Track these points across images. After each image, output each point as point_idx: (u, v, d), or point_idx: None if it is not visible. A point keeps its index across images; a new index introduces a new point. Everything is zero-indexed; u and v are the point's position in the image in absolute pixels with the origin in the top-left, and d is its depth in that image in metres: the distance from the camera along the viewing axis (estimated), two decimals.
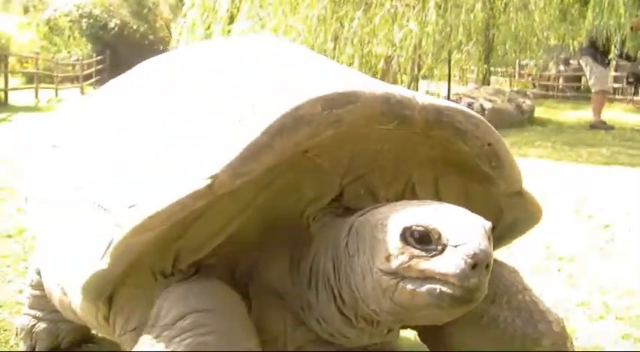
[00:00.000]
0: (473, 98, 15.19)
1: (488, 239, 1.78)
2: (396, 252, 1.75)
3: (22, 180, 3.26)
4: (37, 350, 3.34)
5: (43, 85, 21.12)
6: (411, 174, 2.25)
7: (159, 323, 1.94)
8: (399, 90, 2.10)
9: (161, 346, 1.87)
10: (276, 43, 2.93)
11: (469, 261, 1.67)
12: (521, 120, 15.20)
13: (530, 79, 23.46)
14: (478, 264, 1.68)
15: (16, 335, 3.44)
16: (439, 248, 1.71)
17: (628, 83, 16.90)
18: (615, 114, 17.63)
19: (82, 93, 21.88)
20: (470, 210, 1.93)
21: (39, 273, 3.25)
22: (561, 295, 4.35)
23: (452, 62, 15.32)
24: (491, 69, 19.87)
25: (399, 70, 15.83)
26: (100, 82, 24.23)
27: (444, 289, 1.69)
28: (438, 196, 2.29)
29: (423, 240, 1.73)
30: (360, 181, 2.23)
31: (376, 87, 2.09)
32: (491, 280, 2.14)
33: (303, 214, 2.20)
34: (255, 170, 1.87)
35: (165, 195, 1.87)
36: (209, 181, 1.83)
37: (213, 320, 1.91)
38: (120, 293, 2.16)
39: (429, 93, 16.03)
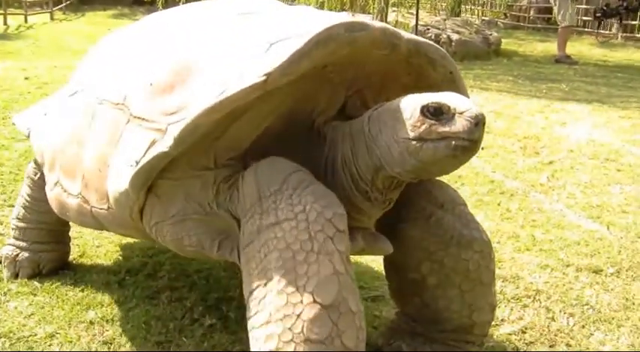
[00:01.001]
0: (440, 29, 15.39)
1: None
2: (418, 123, 2.31)
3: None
4: (20, 276, 3.73)
5: (11, 11, 20.75)
6: (390, 94, 2.73)
7: (267, 194, 2.39)
8: (391, 27, 2.63)
9: (285, 204, 2.34)
10: None
11: (473, 121, 2.24)
12: (487, 52, 15.46)
13: (501, 8, 23.51)
14: (479, 122, 2.25)
15: (1, 263, 3.80)
16: (450, 116, 2.27)
17: (595, 17, 17.10)
18: (581, 48, 17.95)
19: (52, 19, 21.48)
20: None
21: (32, 202, 3.73)
22: (495, 227, 4.79)
23: None
24: None
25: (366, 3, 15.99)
26: (70, 8, 23.96)
27: (458, 142, 2.25)
28: None
29: (437, 112, 2.28)
30: (358, 95, 2.81)
31: (376, 22, 2.69)
32: (441, 191, 2.94)
33: (315, 122, 2.73)
34: (297, 72, 2.37)
35: (228, 89, 2.34)
36: (264, 77, 2.31)
37: (307, 176, 2.44)
38: (158, 185, 2.62)
39: (399, 24, 16.24)
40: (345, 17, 2.60)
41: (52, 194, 3.20)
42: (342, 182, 2.62)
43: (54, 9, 22.52)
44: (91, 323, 3.30)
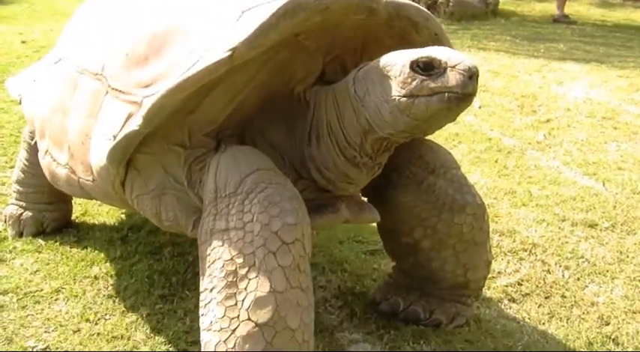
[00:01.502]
0: None
1: None
2: (409, 79, 2.25)
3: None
4: (24, 235, 3.78)
5: None
6: (373, 56, 2.66)
7: (222, 195, 2.40)
8: None
9: (236, 210, 2.34)
10: None
11: (466, 74, 2.20)
12: (485, 12, 15.29)
13: None
14: (472, 75, 2.20)
15: (5, 222, 3.85)
16: (441, 70, 2.21)
17: None
18: (579, 8, 17.83)
19: None
20: None
21: (30, 166, 3.73)
22: (492, 184, 4.85)
23: None
24: None
25: None
26: None
27: (451, 94, 2.21)
28: None
29: (428, 67, 2.22)
30: (337, 60, 2.75)
31: None
32: (432, 156, 2.89)
33: (294, 90, 2.68)
34: (264, 44, 2.32)
35: (196, 64, 2.33)
36: (230, 53, 2.27)
37: (266, 176, 2.39)
38: (136, 159, 2.64)
39: None
40: None
41: (44, 162, 3.21)
42: (329, 148, 2.60)
43: None
44: (96, 278, 3.37)
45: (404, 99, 2.27)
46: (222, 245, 2.29)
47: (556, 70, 9.22)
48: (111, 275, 3.39)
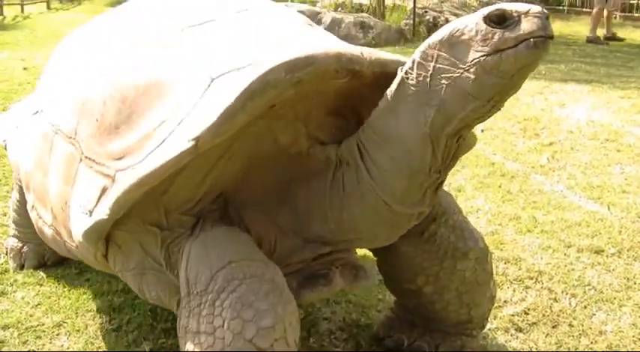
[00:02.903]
0: (439, 12, 15.35)
1: None
2: (489, 35, 2.09)
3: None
4: (26, 267, 3.75)
5: (7, 1, 20.63)
6: (362, 114, 2.53)
7: (194, 291, 2.26)
8: (350, 48, 2.41)
9: (207, 312, 2.20)
10: None
11: (542, 16, 2.07)
12: None
13: None
14: (547, 17, 2.09)
15: (6, 254, 3.83)
16: (515, 20, 2.08)
17: None
18: (580, 28, 17.90)
19: (49, 8, 21.40)
20: None
21: (23, 208, 3.51)
22: (496, 209, 4.82)
23: None
24: None
25: None
26: None
27: (536, 39, 2.05)
28: None
29: (502, 20, 2.09)
30: (322, 126, 2.52)
31: (331, 46, 2.42)
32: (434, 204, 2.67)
33: (289, 151, 2.49)
34: (232, 129, 2.18)
35: (159, 155, 2.22)
36: (194, 142, 2.13)
37: (238, 271, 2.24)
38: (115, 236, 2.53)
39: (397, 6, 16.20)
40: (292, 48, 2.36)
41: (32, 216, 3.08)
42: (371, 200, 2.40)
43: None
44: (98, 311, 3.34)
45: (489, 57, 2.10)
46: (194, 349, 2.20)
47: (558, 92, 9.24)
48: (113, 309, 3.36)
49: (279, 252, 2.55)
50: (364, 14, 14.92)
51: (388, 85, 2.35)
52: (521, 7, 2.10)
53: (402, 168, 2.32)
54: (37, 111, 3.05)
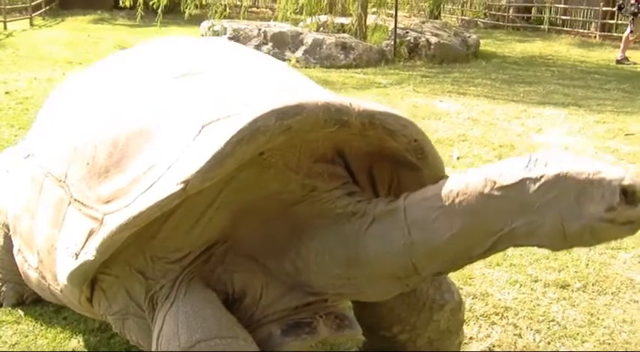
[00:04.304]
0: (420, 33, 15.53)
1: None
2: (615, 205, 2.06)
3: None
4: (4, 305, 3.81)
5: None
6: (351, 164, 2.66)
7: None
8: (339, 99, 2.48)
9: None
10: (225, 45, 3.21)
11: None
12: (466, 54, 15.63)
13: (479, 8, 23.73)
14: None
15: None
16: (638, 201, 2.06)
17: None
18: (560, 48, 18.21)
19: (31, 25, 21.33)
20: (400, 193, 2.48)
21: (6, 254, 3.61)
22: None
23: None
24: None
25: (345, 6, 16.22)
26: (49, 13, 23.81)
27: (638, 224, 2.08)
28: (373, 180, 2.74)
29: (632, 197, 2.06)
30: (312, 173, 2.56)
31: (320, 96, 2.50)
32: None
33: (287, 196, 2.52)
34: (220, 173, 2.22)
35: (147, 197, 2.26)
36: (183, 185, 2.18)
37: (206, 350, 2.29)
38: (101, 279, 2.58)
39: (379, 27, 16.36)
40: (281, 97, 2.40)
41: (18, 260, 3.13)
42: (400, 262, 2.39)
43: (33, 15, 22.31)
44: (75, 350, 3.41)
45: (603, 222, 2.10)
46: None
47: (535, 116, 9.40)
48: (90, 348, 3.44)
49: (265, 299, 2.58)
50: (345, 35, 15.07)
51: (375, 135, 2.46)
52: None
53: (457, 248, 2.30)
54: (28, 155, 3.11)
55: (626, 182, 2.09)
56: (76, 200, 2.59)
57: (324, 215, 2.52)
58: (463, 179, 2.32)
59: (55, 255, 2.64)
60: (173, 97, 2.59)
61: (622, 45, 16.23)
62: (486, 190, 2.24)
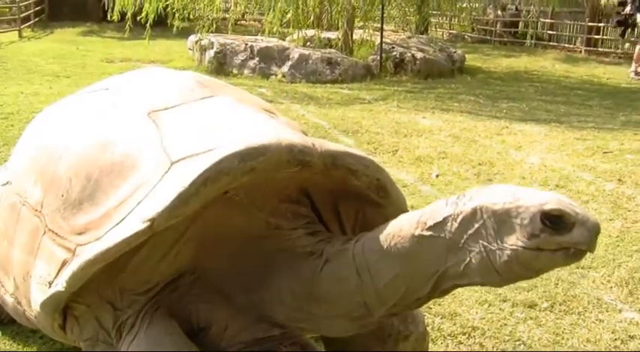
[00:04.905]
0: (406, 48, 15.68)
1: None
2: (537, 231, 2.10)
3: None
4: None
5: None
6: (315, 201, 2.77)
7: None
8: (302, 139, 2.55)
9: None
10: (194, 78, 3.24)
11: (593, 231, 2.11)
12: (451, 69, 15.78)
13: (468, 22, 23.91)
14: (598, 233, 2.12)
15: None
16: (569, 225, 2.09)
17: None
18: (545, 63, 18.40)
19: (20, 36, 21.34)
20: (365, 229, 2.60)
21: None
22: None
23: (385, 13, 15.80)
24: (432, 11, 20.33)
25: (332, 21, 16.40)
26: (38, 25, 23.84)
27: (576, 250, 2.11)
28: (339, 216, 2.86)
29: (557, 222, 2.10)
30: (276, 211, 2.67)
31: (284, 136, 2.57)
32: None
33: (253, 232, 2.63)
34: (185, 212, 2.36)
35: (115, 233, 2.40)
36: (149, 223, 2.31)
37: None
38: (73, 307, 2.67)
39: (365, 41, 16.49)
40: (246, 137, 2.49)
41: None
42: (353, 300, 2.49)
43: (22, 26, 22.32)
44: None
45: (528, 251, 2.14)
46: None
47: (516, 133, 9.51)
48: None
49: (230, 330, 2.67)
50: (332, 50, 15.18)
51: (339, 175, 2.58)
52: (582, 216, 2.12)
53: (402, 289, 2.39)
54: (7, 182, 3.18)
55: (548, 207, 2.13)
56: (50, 230, 2.70)
57: (287, 251, 2.63)
58: (400, 221, 2.41)
59: (30, 283, 2.74)
60: (147, 132, 2.68)
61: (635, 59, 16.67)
62: (417, 232, 2.33)
